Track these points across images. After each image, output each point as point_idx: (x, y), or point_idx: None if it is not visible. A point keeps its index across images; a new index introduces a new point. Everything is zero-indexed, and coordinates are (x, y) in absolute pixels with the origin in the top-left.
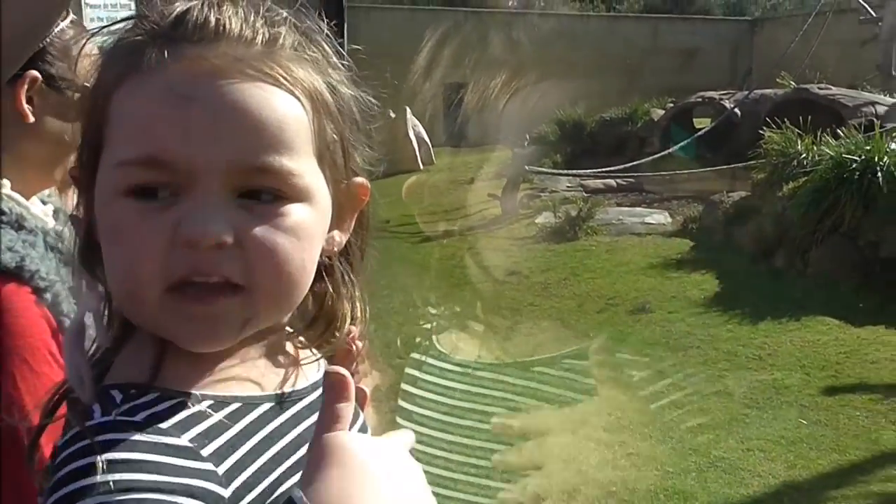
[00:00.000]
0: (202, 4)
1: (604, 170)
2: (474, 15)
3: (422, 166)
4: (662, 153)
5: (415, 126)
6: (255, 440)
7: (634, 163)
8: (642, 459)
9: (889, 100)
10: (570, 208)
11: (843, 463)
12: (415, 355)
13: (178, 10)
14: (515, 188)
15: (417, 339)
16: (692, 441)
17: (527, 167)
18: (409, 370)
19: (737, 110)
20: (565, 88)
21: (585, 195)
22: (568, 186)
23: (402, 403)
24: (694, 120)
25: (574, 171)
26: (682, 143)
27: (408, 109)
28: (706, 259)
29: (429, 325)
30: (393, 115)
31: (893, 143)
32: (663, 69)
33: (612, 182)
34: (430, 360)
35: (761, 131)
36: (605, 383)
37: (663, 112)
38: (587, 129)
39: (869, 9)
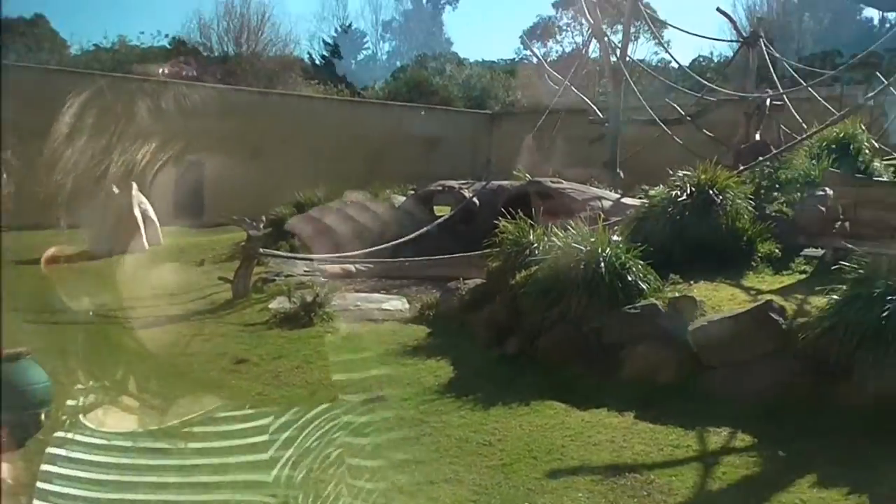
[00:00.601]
0: None
1: (342, 255)
2: (221, 92)
3: (147, 247)
4: (402, 239)
5: (141, 203)
6: None
7: (373, 248)
8: None
9: (614, 195)
10: (305, 293)
11: None
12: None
13: None
14: (248, 271)
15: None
16: None
17: (261, 250)
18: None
19: (475, 199)
20: (306, 169)
21: (323, 280)
22: (305, 271)
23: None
24: (434, 207)
25: (311, 256)
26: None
27: (134, 185)
28: (442, 345)
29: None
30: (117, 190)
31: (615, 236)
32: (405, 156)
33: (350, 267)
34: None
35: (497, 220)
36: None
37: (404, 198)
38: None
39: (597, 110)
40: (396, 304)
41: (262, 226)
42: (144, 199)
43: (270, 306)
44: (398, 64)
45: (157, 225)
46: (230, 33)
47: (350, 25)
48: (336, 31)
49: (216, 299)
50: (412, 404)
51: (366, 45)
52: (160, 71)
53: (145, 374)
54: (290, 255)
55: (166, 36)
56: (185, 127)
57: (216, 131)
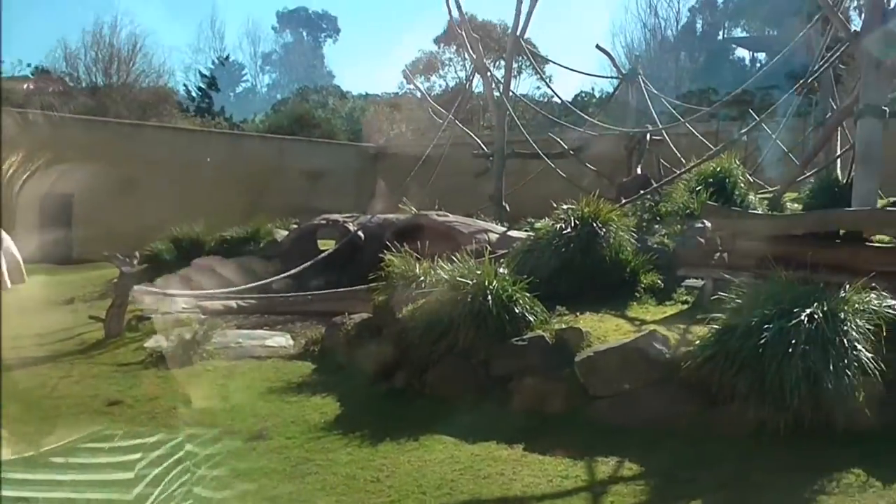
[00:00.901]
0: None
1: (223, 290)
2: (91, 124)
3: (9, 285)
4: (285, 274)
5: (3, 240)
6: None
7: (256, 283)
8: None
9: (500, 228)
10: (184, 331)
11: None
12: None
13: None
14: (122, 309)
15: None
16: None
17: (136, 287)
18: None
19: (360, 233)
20: (184, 204)
21: (203, 317)
22: (184, 308)
23: None
24: (318, 241)
25: (190, 292)
26: None
27: None
28: (328, 381)
29: None
30: None
31: (502, 269)
32: (288, 189)
33: (231, 304)
34: None
35: (383, 254)
36: None
37: (287, 232)
38: (206, 248)
39: (481, 144)
40: (280, 340)
41: (135, 262)
42: (6, 236)
43: (146, 345)
44: (279, 96)
45: (20, 261)
46: (99, 63)
47: (228, 57)
48: (213, 62)
49: (87, 339)
50: (297, 442)
51: (245, 78)
52: (25, 87)
53: (6, 418)
54: (166, 291)
55: (28, 65)
56: (53, 159)
57: (86, 164)
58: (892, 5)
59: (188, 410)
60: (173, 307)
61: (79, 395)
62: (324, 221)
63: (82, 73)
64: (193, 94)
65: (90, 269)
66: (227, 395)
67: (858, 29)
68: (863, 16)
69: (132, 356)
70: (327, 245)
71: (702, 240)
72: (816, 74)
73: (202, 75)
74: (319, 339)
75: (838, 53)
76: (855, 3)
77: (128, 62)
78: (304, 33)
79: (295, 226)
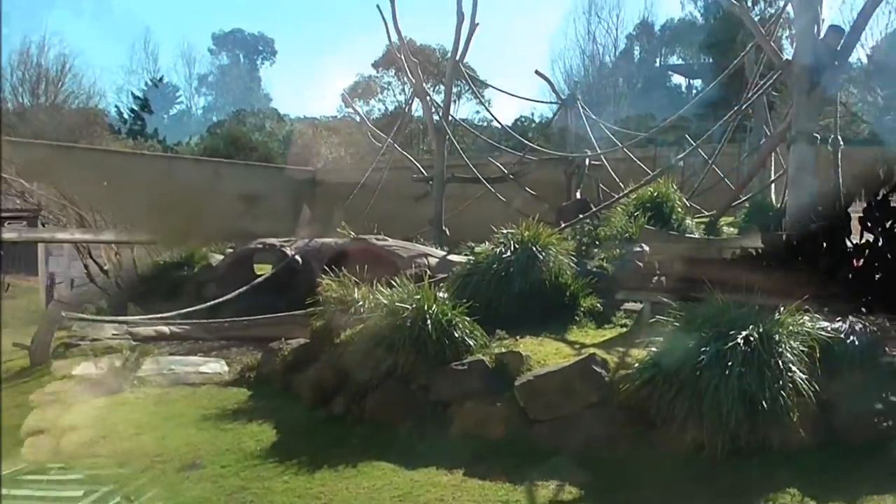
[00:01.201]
0: None
1: (155, 316)
2: (17, 146)
3: None
4: (221, 299)
5: None
6: None
7: (190, 309)
8: None
9: (440, 252)
10: (114, 358)
11: None
12: None
13: None
14: (48, 336)
15: None
16: None
17: (64, 313)
18: None
19: (298, 257)
20: (115, 227)
21: (133, 343)
22: (114, 334)
23: None
24: (255, 266)
25: (120, 318)
26: None
27: None
28: (264, 408)
29: None
30: None
31: (441, 293)
32: (224, 213)
33: (164, 329)
34: None
35: (321, 278)
36: None
37: (223, 257)
38: (139, 273)
39: (421, 168)
40: (215, 366)
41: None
42: None
43: (74, 373)
44: (215, 119)
45: None
46: (26, 83)
47: (162, 79)
48: (147, 84)
49: (11, 367)
50: (232, 471)
51: (179, 100)
52: None
53: None
54: (96, 317)
55: None
56: None
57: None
58: (821, 35)
59: (118, 440)
60: (103, 333)
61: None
62: (260, 245)
63: (8, 93)
64: (126, 115)
65: (14, 295)
66: (158, 423)
67: (790, 57)
68: (794, 44)
69: (59, 384)
70: (264, 269)
71: (640, 263)
72: (750, 101)
73: (135, 97)
74: (256, 365)
75: (771, 81)
76: (787, 32)
77: (56, 83)
78: (241, 55)
79: (231, 250)
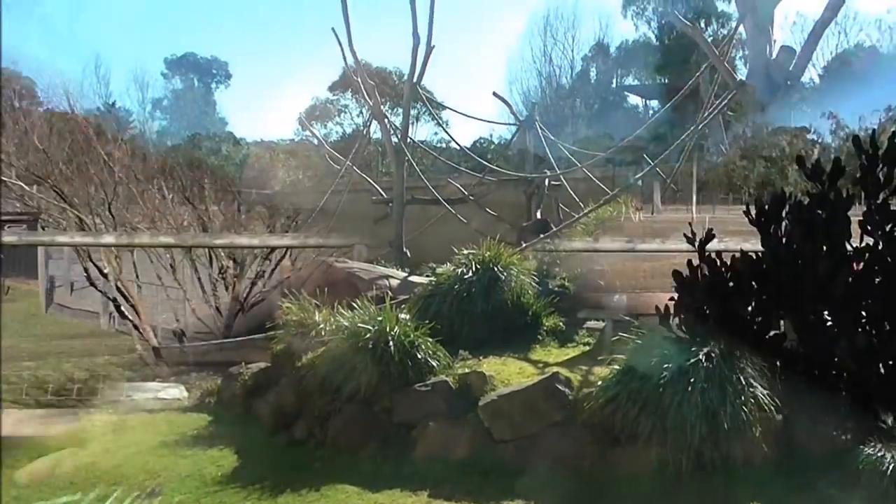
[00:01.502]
0: None
1: None
2: None
3: None
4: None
5: None
6: None
7: None
8: None
9: (401, 274)
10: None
11: None
12: None
13: None
14: None
15: None
16: None
17: None
18: None
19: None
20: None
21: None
22: None
23: None
24: None
25: None
26: None
27: None
28: (225, 434)
29: None
30: None
31: (403, 314)
32: None
33: None
34: None
35: (280, 302)
36: None
37: None
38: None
39: (380, 190)
40: (174, 392)
41: None
42: None
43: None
44: (169, 143)
45: None
46: None
47: (114, 104)
48: (99, 108)
49: None
50: (192, 497)
51: (132, 124)
52: None
53: None
54: None
55: None
56: None
57: None
58: (773, 56)
59: (74, 469)
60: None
61: None
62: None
63: None
64: None
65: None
66: (116, 450)
67: (744, 77)
68: (748, 65)
69: None
70: None
71: (601, 282)
72: (706, 121)
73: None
74: (216, 390)
75: (726, 101)
76: (741, 54)
77: None
78: (195, 79)
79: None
